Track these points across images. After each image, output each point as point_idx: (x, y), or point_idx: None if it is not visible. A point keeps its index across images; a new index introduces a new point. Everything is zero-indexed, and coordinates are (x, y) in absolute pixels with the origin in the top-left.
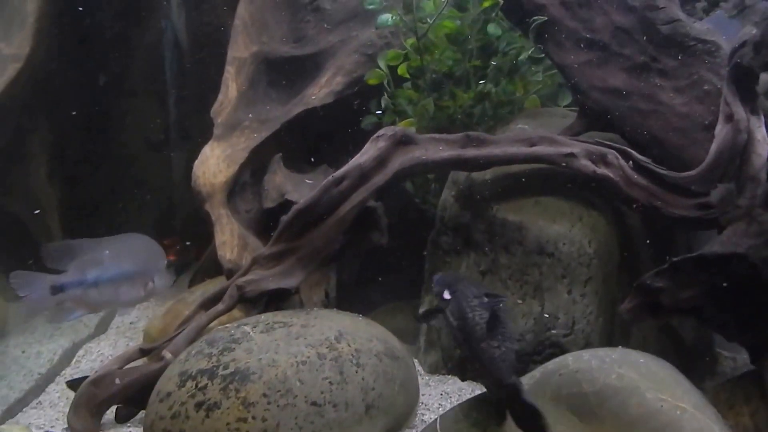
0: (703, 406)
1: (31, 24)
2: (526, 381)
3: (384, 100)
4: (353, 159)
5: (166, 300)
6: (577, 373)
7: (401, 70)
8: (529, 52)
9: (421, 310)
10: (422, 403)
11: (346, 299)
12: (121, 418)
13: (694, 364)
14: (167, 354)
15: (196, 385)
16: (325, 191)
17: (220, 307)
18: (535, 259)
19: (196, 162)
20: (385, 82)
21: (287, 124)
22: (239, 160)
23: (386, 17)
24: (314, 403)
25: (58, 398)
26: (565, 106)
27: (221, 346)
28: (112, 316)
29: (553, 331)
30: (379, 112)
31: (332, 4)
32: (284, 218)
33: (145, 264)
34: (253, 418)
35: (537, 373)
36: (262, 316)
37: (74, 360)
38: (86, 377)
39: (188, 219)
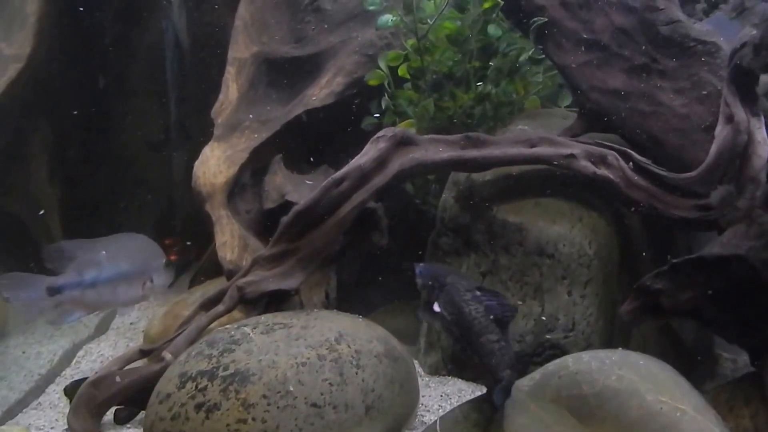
0: (703, 408)
1: (31, 24)
2: (526, 382)
3: (384, 101)
4: (353, 160)
5: (166, 300)
6: (577, 374)
7: (401, 70)
8: (530, 52)
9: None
10: (422, 404)
11: (346, 300)
12: (120, 420)
13: (694, 365)
14: (167, 355)
15: (196, 387)
16: (326, 192)
17: (220, 308)
18: (535, 260)
19: (197, 162)
20: (386, 83)
21: (287, 125)
22: (239, 161)
23: (387, 18)
24: (314, 405)
25: (58, 399)
26: (565, 107)
27: (221, 348)
28: (113, 317)
29: (548, 336)
30: (377, 115)
31: (333, 4)
32: (284, 219)
33: (142, 263)
34: (253, 419)
35: (537, 374)
36: (262, 317)
37: (74, 361)
38: (83, 380)
39: (188, 219)
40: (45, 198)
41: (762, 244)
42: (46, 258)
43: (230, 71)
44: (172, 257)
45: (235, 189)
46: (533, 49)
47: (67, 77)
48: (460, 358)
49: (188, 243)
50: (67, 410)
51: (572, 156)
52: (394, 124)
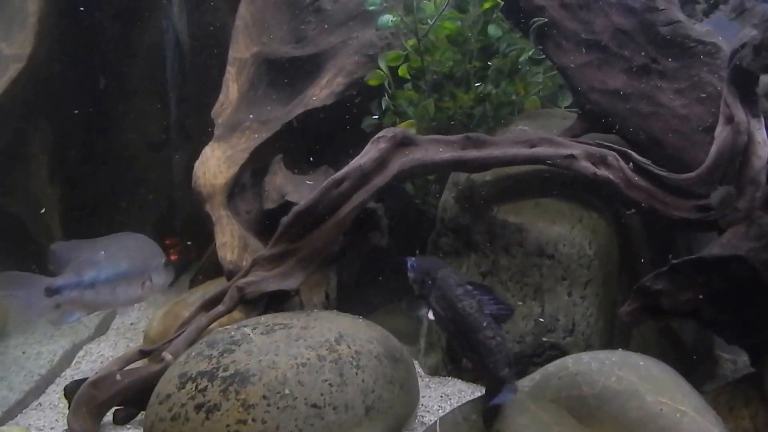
0: (703, 409)
1: (32, 24)
2: (526, 383)
3: (384, 101)
4: (353, 160)
5: (167, 300)
6: (577, 375)
7: (402, 71)
8: (530, 53)
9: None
10: (422, 405)
11: (346, 300)
12: (119, 420)
13: (694, 366)
14: (167, 355)
15: (196, 387)
16: (326, 192)
17: (220, 308)
18: (535, 261)
19: (197, 163)
20: (386, 83)
21: (288, 125)
22: (240, 161)
23: (387, 18)
24: (314, 405)
25: (58, 399)
26: (565, 108)
27: (221, 348)
28: (113, 317)
29: (544, 339)
30: (375, 117)
31: (333, 4)
32: (284, 219)
33: (142, 263)
34: (253, 420)
35: (537, 375)
36: (262, 318)
37: (74, 361)
38: (82, 381)
39: (188, 219)
40: (45, 198)
41: (762, 245)
42: (48, 258)
43: (230, 71)
44: (172, 257)
45: (235, 189)
46: (533, 50)
47: (67, 77)
48: (460, 359)
49: (188, 243)
50: (67, 411)
51: (572, 156)
52: (394, 125)
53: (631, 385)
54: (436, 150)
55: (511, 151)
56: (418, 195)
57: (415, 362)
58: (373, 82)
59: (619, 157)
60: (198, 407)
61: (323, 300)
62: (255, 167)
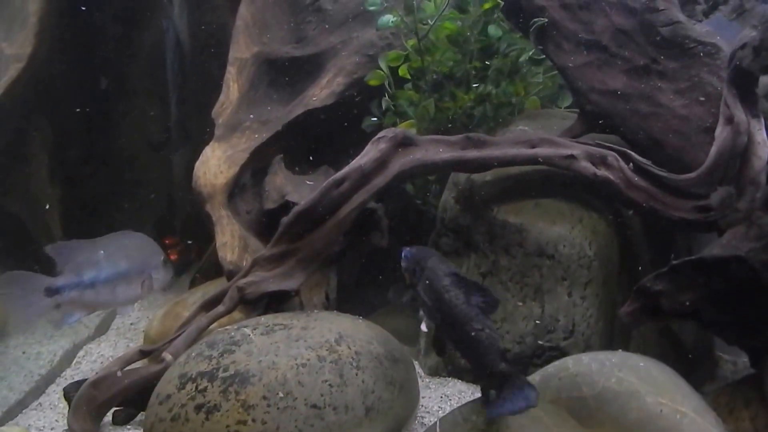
0: (703, 411)
1: (32, 24)
2: None
3: (385, 101)
4: (354, 160)
5: (167, 300)
6: (577, 376)
7: (402, 71)
8: (530, 53)
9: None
10: (422, 405)
11: (346, 301)
12: (119, 421)
13: (694, 367)
14: (167, 356)
15: (196, 388)
16: (326, 193)
17: (220, 308)
18: (535, 261)
19: (197, 162)
20: (386, 83)
21: (288, 125)
22: (240, 161)
23: (387, 18)
24: (314, 406)
25: (59, 400)
26: (565, 108)
27: (221, 349)
28: (113, 317)
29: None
30: (374, 119)
31: (333, 4)
32: (285, 219)
33: (141, 262)
34: (253, 420)
35: (537, 376)
36: (262, 318)
37: (74, 361)
38: (81, 382)
39: (188, 219)
40: (45, 198)
41: (762, 245)
42: (48, 259)
43: (231, 71)
44: (172, 257)
45: (235, 189)
46: (533, 50)
47: (67, 77)
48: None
49: (189, 242)
50: (66, 411)
51: (572, 157)
52: (394, 125)
53: (631, 386)
54: (436, 150)
55: (512, 151)
56: (419, 195)
57: (415, 363)
58: (373, 82)
59: (619, 158)
60: (198, 408)
61: (323, 300)
62: (255, 167)
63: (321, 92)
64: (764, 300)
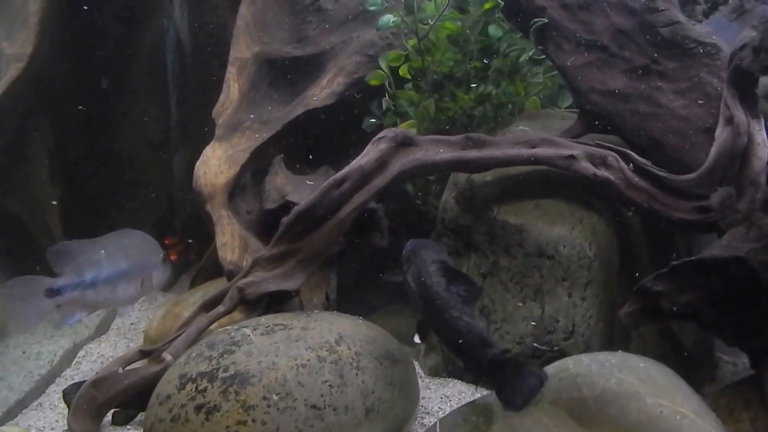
0: (703, 412)
1: (33, 24)
2: None
3: (385, 102)
4: (354, 161)
5: (167, 300)
6: (577, 377)
7: (402, 71)
8: (530, 53)
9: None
10: (422, 406)
11: (346, 301)
12: (119, 422)
13: (694, 368)
14: (167, 356)
15: (196, 388)
16: (326, 193)
17: (220, 309)
18: (535, 262)
19: (198, 162)
20: (387, 83)
21: (288, 125)
22: (240, 161)
23: (388, 18)
24: (314, 407)
25: (59, 400)
26: (565, 108)
27: (221, 349)
28: (113, 317)
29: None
30: (373, 120)
31: (334, 4)
32: (285, 220)
33: (141, 260)
34: (253, 421)
35: None
36: (263, 319)
37: (74, 361)
38: (81, 383)
39: (188, 220)
40: (45, 198)
41: (762, 246)
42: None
43: (231, 71)
44: (172, 257)
45: (235, 189)
46: (533, 50)
47: (68, 77)
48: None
49: (189, 241)
50: (66, 411)
51: (572, 157)
52: (395, 125)
53: (631, 387)
54: (436, 150)
55: (512, 151)
56: (419, 195)
57: (415, 363)
58: (373, 82)
59: (619, 158)
60: (198, 408)
61: (323, 301)
62: (256, 167)
63: (321, 92)
64: (764, 301)
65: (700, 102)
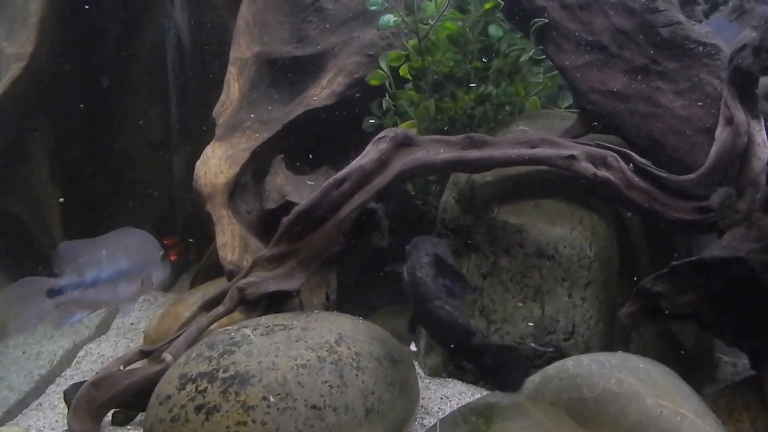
0: (703, 413)
1: (34, 23)
2: (526, 385)
3: (385, 102)
4: (354, 161)
5: (167, 300)
6: (577, 377)
7: (403, 71)
8: (530, 53)
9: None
10: (422, 406)
11: (346, 301)
12: (119, 422)
13: (694, 369)
14: (167, 356)
15: (196, 388)
16: (326, 193)
17: (220, 309)
18: (535, 262)
19: (198, 162)
20: (387, 83)
21: (289, 125)
22: (240, 161)
23: (388, 18)
24: (314, 407)
25: (59, 400)
26: (565, 108)
27: (221, 349)
28: (113, 317)
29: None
30: (372, 121)
31: (334, 4)
32: (285, 220)
33: (141, 259)
34: (253, 421)
35: (537, 377)
36: (263, 319)
37: (75, 361)
38: (81, 384)
39: (188, 220)
40: (45, 198)
41: (762, 246)
42: (51, 260)
43: (232, 71)
44: (172, 257)
45: (236, 189)
46: (534, 50)
47: (68, 77)
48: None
49: (189, 241)
50: (66, 412)
51: (572, 157)
52: (395, 125)
53: (631, 387)
54: (436, 150)
55: (512, 151)
56: (419, 195)
57: (415, 363)
58: (374, 82)
59: (619, 158)
60: (198, 408)
61: (323, 301)
62: (256, 167)
63: (321, 92)
64: (764, 301)
65: (700, 102)
